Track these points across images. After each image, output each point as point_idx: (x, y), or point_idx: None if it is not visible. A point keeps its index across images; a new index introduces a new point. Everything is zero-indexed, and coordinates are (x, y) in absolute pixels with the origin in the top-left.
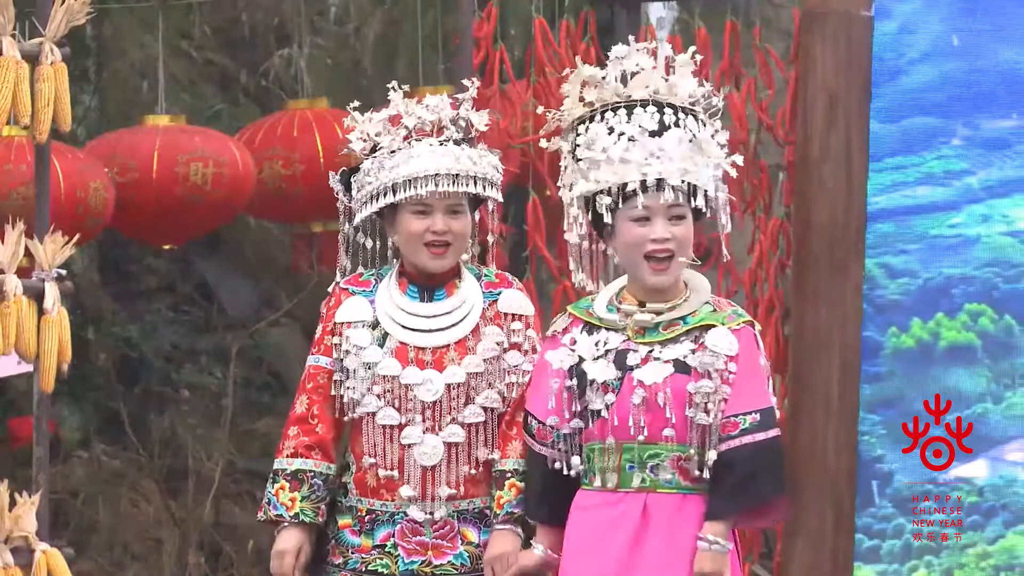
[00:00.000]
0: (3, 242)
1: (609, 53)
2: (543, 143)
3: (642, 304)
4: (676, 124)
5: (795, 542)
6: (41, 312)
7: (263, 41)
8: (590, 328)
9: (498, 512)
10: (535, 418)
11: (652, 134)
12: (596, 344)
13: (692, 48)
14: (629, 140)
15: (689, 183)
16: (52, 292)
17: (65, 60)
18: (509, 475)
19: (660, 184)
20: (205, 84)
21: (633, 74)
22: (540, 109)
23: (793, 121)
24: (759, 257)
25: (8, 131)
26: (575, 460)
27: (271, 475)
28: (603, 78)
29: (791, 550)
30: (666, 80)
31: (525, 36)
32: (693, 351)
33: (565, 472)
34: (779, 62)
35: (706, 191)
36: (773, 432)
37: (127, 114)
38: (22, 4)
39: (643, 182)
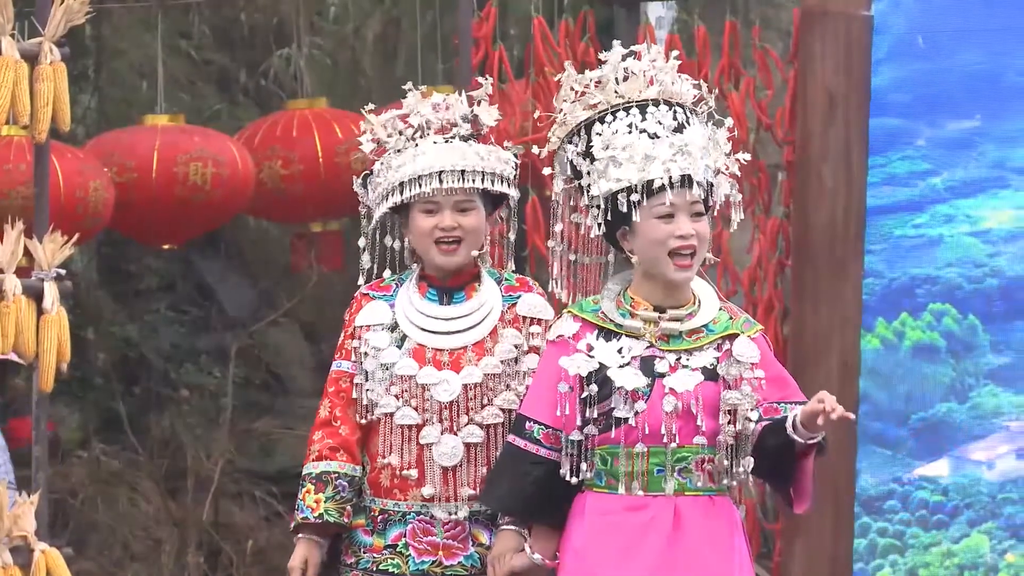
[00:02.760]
0: (2, 242)
1: (603, 55)
2: (535, 149)
3: (656, 309)
4: (688, 123)
5: (795, 542)
6: (40, 312)
7: (262, 41)
8: (607, 334)
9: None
10: (539, 423)
11: (675, 130)
12: (620, 351)
13: (675, 53)
14: (652, 137)
15: (708, 180)
16: (51, 292)
17: (64, 60)
18: None
19: (685, 180)
20: (204, 84)
21: (626, 77)
22: (537, 114)
23: (792, 121)
24: (758, 257)
25: (7, 131)
26: (583, 466)
27: (300, 484)
28: (618, 79)
29: (791, 550)
30: (672, 82)
31: (524, 36)
32: (718, 359)
33: (571, 478)
34: (778, 62)
35: (719, 188)
36: None
37: (126, 114)
38: (21, 4)
39: (669, 178)
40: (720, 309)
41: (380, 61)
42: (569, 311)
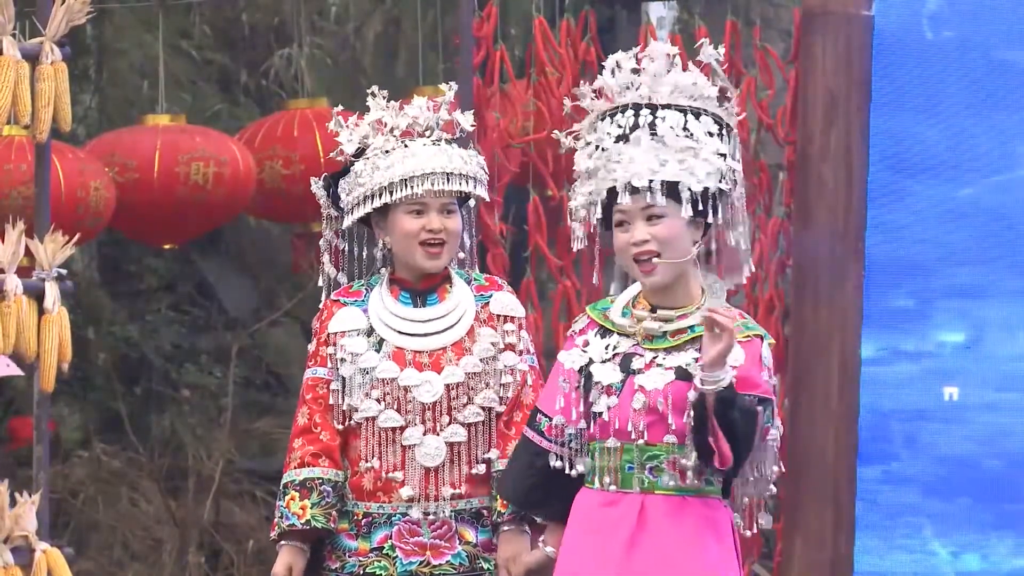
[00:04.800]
0: (3, 241)
1: (605, 61)
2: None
3: (653, 309)
4: (652, 124)
5: (795, 542)
6: (41, 312)
7: (263, 41)
8: (604, 331)
9: (503, 512)
10: (546, 415)
11: (618, 139)
12: (607, 347)
13: (675, 50)
14: (599, 150)
15: (664, 181)
16: (52, 292)
17: (65, 60)
18: None
19: (632, 188)
20: (205, 84)
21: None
22: (557, 133)
23: (793, 121)
24: (759, 257)
25: (8, 131)
26: (583, 460)
27: (280, 491)
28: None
29: (791, 550)
30: (647, 77)
31: (525, 35)
32: (696, 359)
33: (567, 471)
34: (779, 62)
35: (690, 187)
36: (767, 421)
37: (127, 114)
38: (22, 4)
39: (613, 188)
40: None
41: (381, 61)
42: (587, 309)
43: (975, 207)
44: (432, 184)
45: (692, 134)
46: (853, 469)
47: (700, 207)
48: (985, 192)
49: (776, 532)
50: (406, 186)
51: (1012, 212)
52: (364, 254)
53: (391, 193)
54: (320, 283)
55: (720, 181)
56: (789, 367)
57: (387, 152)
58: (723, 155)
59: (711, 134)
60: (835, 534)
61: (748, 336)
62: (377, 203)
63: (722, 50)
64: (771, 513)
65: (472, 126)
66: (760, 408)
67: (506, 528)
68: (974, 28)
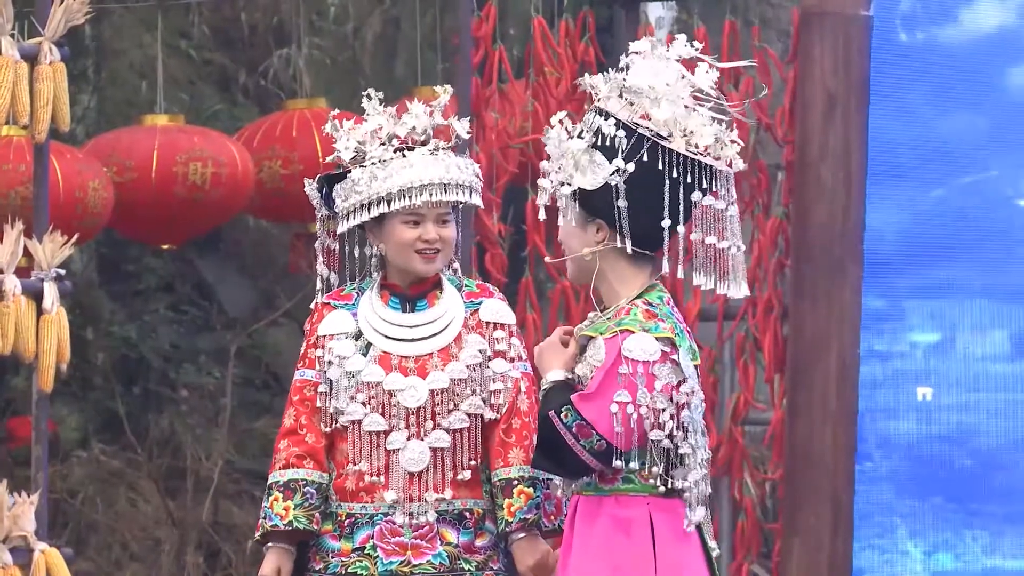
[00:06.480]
0: (2, 242)
1: (604, 61)
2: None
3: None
4: (581, 131)
5: (793, 541)
6: (40, 312)
7: (262, 41)
8: None
9: (510, 520)
10: None
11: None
12: None
13: (664, 36)
14: None
15: (567, 185)
16: (51, 292)
17: (64, 60)
18: (516, 482)
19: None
20: (204, 84)
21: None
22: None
23: (792, 120)
24: (758, 256)
25: (7, 131)
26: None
27: (265, 492)
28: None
29: (789, 549)
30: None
31: (524, 36)
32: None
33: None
34: (777, 62)
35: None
36: (562, 428)
37: (126, 114)
38: (21, 4)
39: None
40: (616, 310)
41: (379, 61)
42: None
43: (946, 208)
44: (430, 195)
45: (582, 135)
46: (851, 469)
47: (597, 208)
48: (956, 193)
49: (775, 532)
50: (404, 197)
51: (983, 212)
52: (357, 254)
53: (388, 203)
54: (318, 287)
55: (611, 188)
56: (788, 366)
57: (384, 162)
58: (615, 157)
59: (604, 135)
60: (833, 534)
61: (612, 333)
62: (374, 212)
63: (700, 46)
64: (707, 508)
65: (468, 133)
66: (551, 412)
67: (520, 536)
68: (944, 30)
